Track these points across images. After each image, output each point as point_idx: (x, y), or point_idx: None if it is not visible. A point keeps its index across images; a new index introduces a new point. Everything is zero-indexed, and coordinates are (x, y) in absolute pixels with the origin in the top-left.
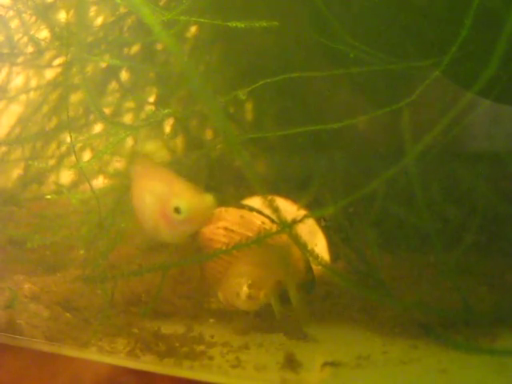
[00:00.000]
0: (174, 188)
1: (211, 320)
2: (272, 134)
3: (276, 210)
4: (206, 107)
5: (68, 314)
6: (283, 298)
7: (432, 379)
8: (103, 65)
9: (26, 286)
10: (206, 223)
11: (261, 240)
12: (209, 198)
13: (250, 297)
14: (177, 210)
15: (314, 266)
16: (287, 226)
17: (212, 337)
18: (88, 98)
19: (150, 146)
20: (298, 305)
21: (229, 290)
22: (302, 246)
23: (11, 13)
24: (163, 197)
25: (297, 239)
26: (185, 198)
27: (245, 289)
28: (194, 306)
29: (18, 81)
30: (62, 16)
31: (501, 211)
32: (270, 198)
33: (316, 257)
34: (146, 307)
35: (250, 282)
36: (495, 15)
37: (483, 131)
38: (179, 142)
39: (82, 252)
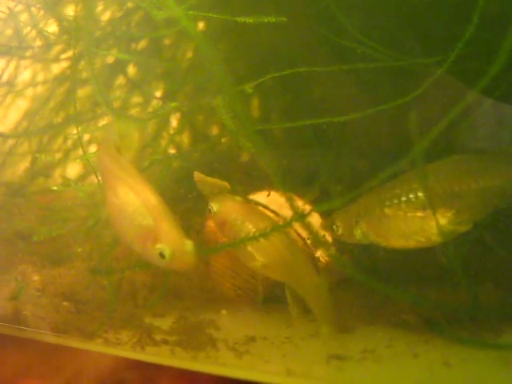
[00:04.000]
0: (159, 227)
1: (223, 311)
2: (278, 127)
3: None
4: (225, 96)
5: (73, 306)
6: None
7: (436, 373)
8: (111, 59)
9: (32, 278)
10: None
11: (266, 234)
12: (190, 244)
13: None
14: (161, 255)
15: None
16: (295, 220)
17: (220, 329)
18: (96, 91)
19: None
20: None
21: None
22: (315, 238)
23: (20, 6)
24: (147, 229)
25: (310, 229)
26: (169, 244)
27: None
28: (206, 298)
29: (25, 75)
30: (71, 10)
31: (506, 207)
32: (288, 195)
33: (327, 248)
34: (153, 299)
35: None
36: (501, 13)
37: (488, 130)
38: (185, 136)
39: (79, 250)
